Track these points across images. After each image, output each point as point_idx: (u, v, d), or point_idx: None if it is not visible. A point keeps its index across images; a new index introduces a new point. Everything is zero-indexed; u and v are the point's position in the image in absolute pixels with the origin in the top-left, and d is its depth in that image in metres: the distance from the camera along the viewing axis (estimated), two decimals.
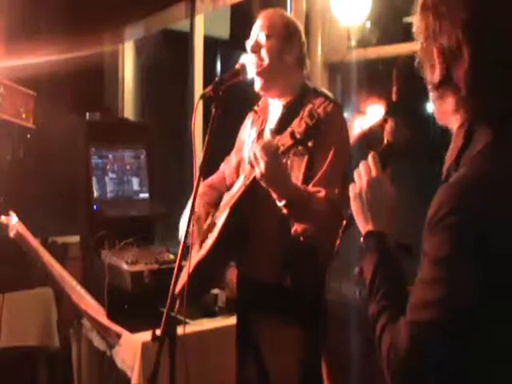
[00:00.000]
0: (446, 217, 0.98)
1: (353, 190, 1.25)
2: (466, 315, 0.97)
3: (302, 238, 1.90)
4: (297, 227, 1.90)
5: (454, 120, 1.11)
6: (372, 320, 1.10)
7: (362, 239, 1.22)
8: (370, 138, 2.73)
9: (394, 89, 2.72)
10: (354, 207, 1.24)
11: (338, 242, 1.35)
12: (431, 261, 1.00)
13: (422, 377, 1.01)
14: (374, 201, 1.21)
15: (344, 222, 1.34)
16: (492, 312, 0.97)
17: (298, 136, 1.77)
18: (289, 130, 1.80)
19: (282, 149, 1.80)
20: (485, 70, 1.04)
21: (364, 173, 1.24)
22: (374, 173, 1.23)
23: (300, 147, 1.82)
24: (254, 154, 1.80)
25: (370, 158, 1.25)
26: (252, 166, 1.83)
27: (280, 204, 1.85)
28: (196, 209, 2.16)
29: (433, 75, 1.12)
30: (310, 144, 1.82)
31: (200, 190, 2.25)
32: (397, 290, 1.11)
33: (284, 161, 1.87)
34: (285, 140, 1.80)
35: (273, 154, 1.78)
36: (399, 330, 1.02)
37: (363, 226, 1.23)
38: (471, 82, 1.05)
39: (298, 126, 1.77)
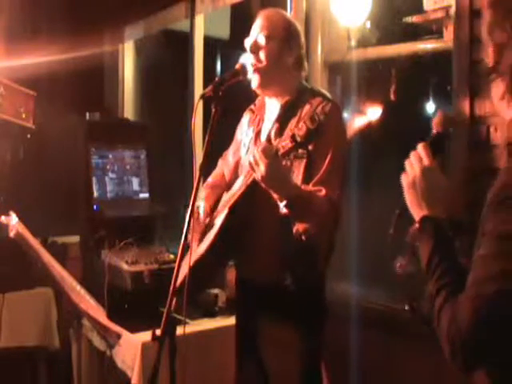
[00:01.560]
0: (510, 197, 1.03)
1: (406, 180, 1.27)
2: None
3: (303, 238, 1.90)
4: (298, 227, 1.90)
5: (503, 106, 1.16)
6: (430, 299, 1.14)
7: (416, 225, 1.24)
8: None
9: (393, 88, 2.73)
10: (409, 196, 1.27)
11: (391, 231, 1.36)
12: (493, 237, 1.04)
13: (485, 349, 1.04)
14: (428, 188, 1.24)
15: (397, 212, 1.35)
16: None
17: (298, 139, 1.77)
18: (289, 132, 1.81)
19: (282, 151, 1.80)
20: None
21: (416, 162, 1.27)
22: (426, 161, 1.26)
23: (301, 150, 1.82)
24: (254, 158, 1.80)
25: (420, 147, 1.28)
26: (253, 170, 1.83)
27: (281, 204, 1.86)
28: (202, 211, 2.16)
29: (488, 61, 1.18)
30: (310, 147, 1.83)
31: (203, 193, 2.26)
32: (454, 271, 1.14)
33: (284, 163, 1.88)
34: (285, 142, 1.80)
35: (272, 157, 1.79)
36: (461, 305, 1.04)
37: (417, 213, 1.25)
38: None
39: (298, 129, 1.77)
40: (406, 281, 1.36)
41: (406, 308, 1.36)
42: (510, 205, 1.03)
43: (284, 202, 1.85)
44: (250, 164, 1.83)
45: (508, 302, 1.01)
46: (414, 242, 1.25)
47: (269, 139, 2.04)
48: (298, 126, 1.78)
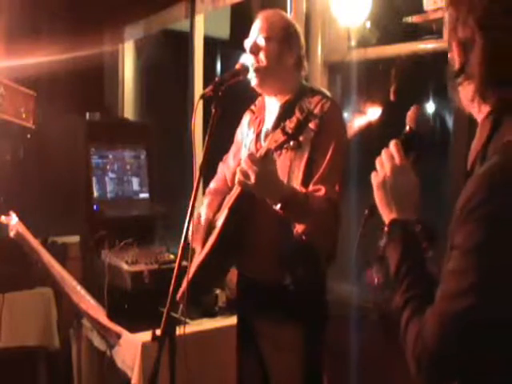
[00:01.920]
0: (478, 207, 0.98)
1: (375, 179, 1.23)
2: (498, 304, 0.97)
3: (304, 238, 1.90)
4: (298, 228, 1.90)
5: (474, 109, 1.12)
6: (396, 311, 1.10)
7: (385, 228, 1.20)
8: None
9: (393, 89, 2.72)
10: (378, 196, 1.22)
11: (360, 231, 1.31)
12: (463, 251, 0.99)
13: (450, 367, 1.00)
14: (398, 189, 1.19)
15: (366, 212, 1.31)
16: None
17: (289, 131, 1.78)
18: (282, 126, 1.82)
19: (274, 145, 1.81)
20: (496, 60, 1.06)
21: (387, 160, 1.22)
22: (397, 160, 1.21)
23: (293, 142, 1.82)
24: (242, 170, 1.80)
25: (392, 145, 1.23)
26: (241, 183, 1.83)
27: (276, 207, 1.86)
28: (204, 218, 2.16)
29: (454, 64, 1.14)
30: (301, 138, 1.82)
31: (205, 199, 2.26)
32: (422, 280, 1.10)
33: (277, 156, 1.88)
34: (277, 136, 1.81)
35: (260, 163, 1.79)
36: (427, 322, 1.01)
37: (387, 214, 1.21)
38: (484, 71, 1.07)
39: (289, 121, 1.79)
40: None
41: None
42: (477, 217, 0.98)
43: (278, 205, 1.85)
44: (239, 177, 1.83)
45: (476, 319, 0.97)
46: (383, 248, 1.19)
47: (266, 137, 2.04)
48: (290, 120, 1.80)
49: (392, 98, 2.69)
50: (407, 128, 1.28)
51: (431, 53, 2.48)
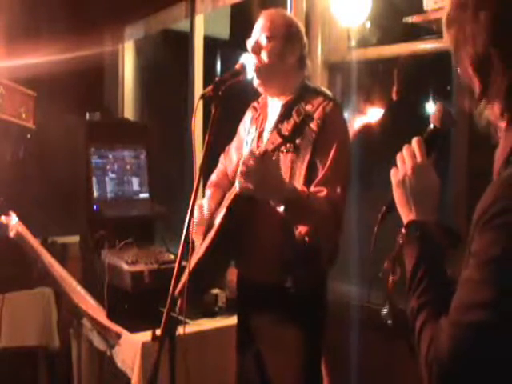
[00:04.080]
0: (497, 216, 0.93)
1: (395, 176, 1.18)
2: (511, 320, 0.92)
3: (307, 239, 1.89)
4: (300, 229, 1.90)
5: (503, 121, 1.06)
6: (411, 315, 1.06)
7: (403, 228, 1.16)
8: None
9: (395, 88, 2.72)
10: (397, 194, 1.18)
11: (375, 230, 1.27)
12: (480, 261, 0.95)
13: (461, 379, 0.96)
14: (419, 188, 1.15)
15: (383, 209, 1.27)
16: None
17: (285, 133, 1.79)
18: (278, 128, 1.83)
19: (271, 147, 1.81)
20: None
21: (408, 158, 1.17)
22: (418, 158, 1.17)
23: (289, 145, 1.82)
24: (242, 172, 1.80)
25: (414, 142, 1.19)
26: (241, 185, 1.82)
27: (280, 209, 1.85)
28: (207, 211, 2.16)
29: (474, 86, 1.08)
30: (298, 141, 1.82)
31: (207, 192, 2.25)
32: (439, 285, 1.06)
33: (275, 158, 1.88)
34: (274, 138, 1.82)
35: (259, 161, 1.78)
36: (441, 329, 0.97)
37: (406, 214, 1.17)
38: (508, 91, 1.01)
39: (286, 123, 1.80)
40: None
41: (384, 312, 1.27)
42: (496, 226, 0.93)
43: (282, 207, 1.84)
44: (239, 179, 1.82)
45: (489, 333, 0.93)
46: (401, 248, 1.15)
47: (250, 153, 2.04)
48: (287, 122, 1.80)
49: (394, 97, 2.69)
50: (431, 126, 1.24)
51: (431, 53, 2.48)
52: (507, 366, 0.95)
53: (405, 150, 1.19)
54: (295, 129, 1.78)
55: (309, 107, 1.94)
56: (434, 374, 0.97)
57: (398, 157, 1.19)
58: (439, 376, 0.97)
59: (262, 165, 1.79)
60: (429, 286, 1.06)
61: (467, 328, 0.94)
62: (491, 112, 1.08)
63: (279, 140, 1.80)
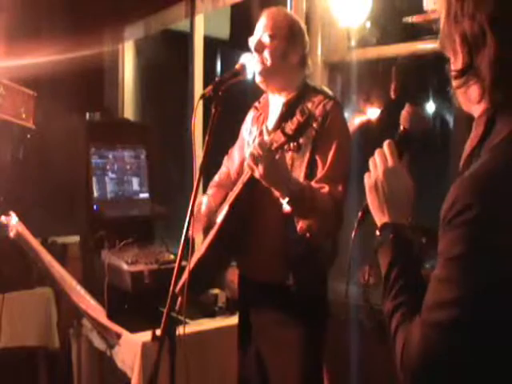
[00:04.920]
0: (459, 214, 0.93)
1: (368, 180, 1.18)
2: (479, 317, 0.93)
3: (307, 235, 1.90)
4: (302, 224, 1.90)
5: (477, 108, 1.05)
6: (387, 317, 1.06)
7: (377, 231, 1.16)
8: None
9: (393, 86, 2.72)
10: (370, 198, 1.18)
11: (353, 234, 1.28)
12: (445, 260, 0.95)
13: (433, 378, 0.97)
14: (391, 191, 1.15)
15: (360, 214, 1.27)
16: (508, 313, 0.92)
17: (289, 132, 1.79)
18: (281, 126, 1.82)
19: (275, 145, 1.81)
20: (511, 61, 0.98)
21: (380, 162, 1.17)
22: (390, 162, 1.16)
23: (293, 144, 1.82)
24: (252, 154, 1.80)
25: (385, 145, 1.18)
26: (251, 168, 1.83)
27: (284, 201, 1.86)
28: (205, 205, 2.16)
29: (456, 62, 1.06)
30: (301, 141, 1.83)
31: (209, 191, 2.26)
32: (413, 286, 1.06)
33: (279, 157, 1.88)
34: (277, 137, 1.82)
35: (269, 151, 1.79)
36: (413, 329, 0.98)
37: (379, 217, 1.17)
38: (496, 71, 0.98)
39: (290, 123, 1.79)
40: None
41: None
42: (460, 223, 0.93)
43: (286, 199, 1.84)
44: (249, 161, 1.83)
45: (459, 332, 0.93)
46: (375, 252, 1.15)
47: (261, 137, 2.04)
48: (291, 121, 1.80)
49: (393, 96, 2.69)
50: (401, 128, 1.24)
51: (431, 53, 2.48)
52: (476, 362, 0.95)
53: (376, 153, 1.19)
54: (299, 128, 1.78)
55: (309, 105, 1.95)
56: (408, 375, 0.98)
57: (371, 161, 1.19)
58: (412, 377, 0.97)
59: (272, 153, 1.80)
60: (402, 289, 1.06)
61: (435, 326, 0.95)
62: (463, 96, 1.07)
63: (283, 139, 1.80)
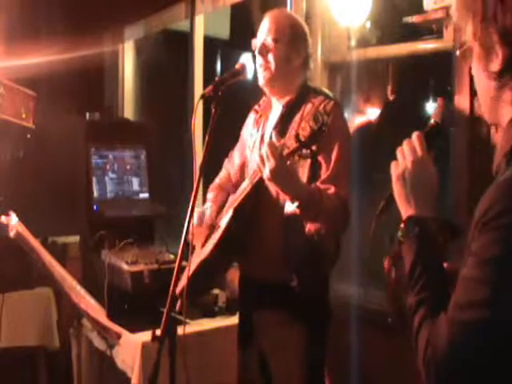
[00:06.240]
0: (498, 216, 0.93)
1: (395, 170, 1.17)
2: (510, 318, 0.92)
3: (316, 237, 1.89)
4: (310, 227, 1.90)
5: (509, 110, 1.03)
6: (410, 312, 1.06)
7: (401, 224, 1.15)
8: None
9: (390, 87, 2.72)
10: (396, 188, 1.17)
11: (373, 225, 1.26)
12: (480, 261, 0.95)
13: (458, 378, 0.96)
14: (419, 183, 1.14)
15: (382, 203, 1.26)
16: None
17: (302, 139, 1.74)
18: (293, 132, 1.78)
19: (287, 151, 1.77)
20: None
21: (409, 152, 1.16)
22: (419, 153, 1.16)
23: (305, 151, 1.80)
24: (261, 156, 1.78)
25: (414, 137, 1.18)
26: (260, 169, 1.81)
27: (293, 205, 1.85)
28: (208, 214, 2.16)
29: (491, 64, 1.02)
30: (314, 148, 1.81)
31: (210, 195, 2.26)
32: (437, 282, 1.06)
33: (288, 163, 1.87)
34: (290, 142, 1.77)
35: (279, 154, 1.77)
36: (439, 327, 0.97)
37: (405, 208, 1.16)
38: None
39: (302, 129, 1.74)
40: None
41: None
42: (496, 226, 0.93)
43: (296, 203, 1.83)
44: (258, 163, 1.81)
45: (488, 333, 0.93)
46: (399, 245, 1.14)
47: (271, 138, 2.04)
48: (301, 126, 1.76)
49: (390, 96, 2.69)
50: (432, 121, 1.24)
51: (431, 53, 2.48)
52: (504, 365, 0.95)
53: (405, 144, 1.18)
54: (313, 135, 1.74)
55: (309, 106, 1.94)
56: (431, 373, 0.97)
57: (398, 151, 1.19)
58: (437, 374, 0.97)
59: (281, 155, 1.76)
60: (427, 284, 1.06)
61: (465, 326, 0.94)
62: (491, 100, 1.04)
63: (295, 145, 1.76)
